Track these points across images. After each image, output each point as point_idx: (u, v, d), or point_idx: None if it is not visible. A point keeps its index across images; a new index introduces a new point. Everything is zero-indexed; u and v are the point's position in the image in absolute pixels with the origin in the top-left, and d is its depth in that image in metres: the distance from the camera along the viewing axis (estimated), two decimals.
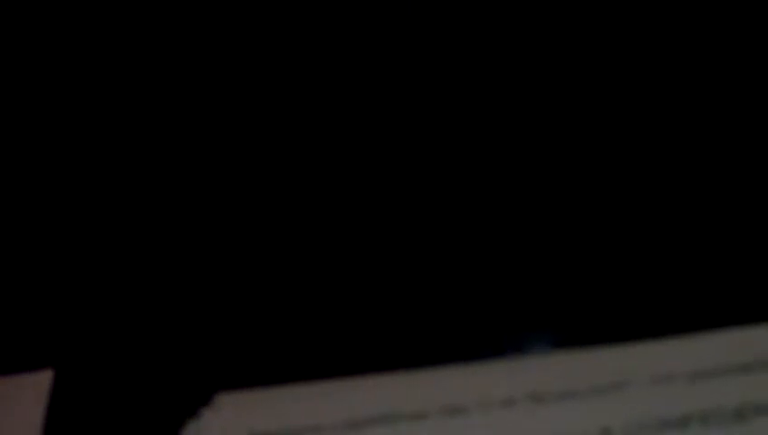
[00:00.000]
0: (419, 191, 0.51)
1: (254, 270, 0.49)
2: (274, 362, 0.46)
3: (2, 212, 0.53)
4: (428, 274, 0.48)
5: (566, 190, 0.50)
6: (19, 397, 0.47)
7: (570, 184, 0.50)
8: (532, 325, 0.46)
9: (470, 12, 0.54)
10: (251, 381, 0.44)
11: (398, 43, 0.54)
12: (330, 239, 0.50)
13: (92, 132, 0.54)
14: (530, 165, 0.51)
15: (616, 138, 0.51)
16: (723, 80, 0.52)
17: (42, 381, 0.47)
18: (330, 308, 0.48)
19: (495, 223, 0.49)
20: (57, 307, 0.50)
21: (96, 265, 0.51)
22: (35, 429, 0.45)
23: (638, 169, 0.50)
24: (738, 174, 0.49)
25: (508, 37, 0.54)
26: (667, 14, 0.53)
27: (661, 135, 0.51)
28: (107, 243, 0.51)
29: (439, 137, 0.53)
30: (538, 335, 0.46)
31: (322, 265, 0.49)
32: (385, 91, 0.54)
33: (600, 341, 0.43)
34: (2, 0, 0.55)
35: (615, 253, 0.47)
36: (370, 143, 0.53)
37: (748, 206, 0.48)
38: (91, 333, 0.49)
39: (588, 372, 0.42)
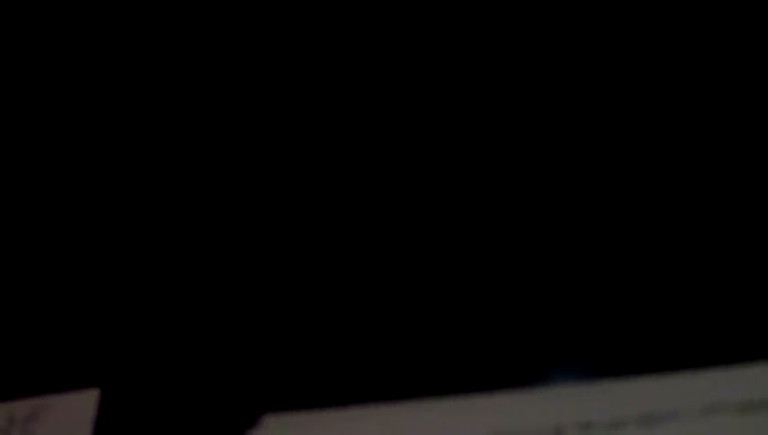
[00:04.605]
0: (464, 220, 0.51)
1: (305, 292, 0.49)
2: (323, 384, 0.46)
3: (47, 228, 0.53)
4: (472, 300, 0.48)
5: (610, 218, 0.50)
6: (65, 416, 0.47)
7: (612, 210, 0.50)
8: (579, 354, 0.46)
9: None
10: (299, 403, 0.44)
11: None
12: (383, 270, 0.50)
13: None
14: (567, 193, 0.51)
15: (646, 156, 0.51)
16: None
17: (88, 399, 0.47)
18: (380, 333, 0.48)
19: (545, 248, 0.49)
20: (104, 326, 0.50)
21: (143, 286, 0.51)
22: None
23: (681, 194, 0.50)
24: None
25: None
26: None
27: (693, 158, 0.51)
28: (156, 264, 0.51)
29: (468, 160, 0.52)
30: (585, 364, 0.45)
31: (374, 292, 0.49)
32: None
33: (648, 370, 0.43)
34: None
35: (666, 281, 0.47)
36: (403, 161, 0.53)
37: None
38: (138, 352, 0.49)
39: (637, 402, 0.42)
